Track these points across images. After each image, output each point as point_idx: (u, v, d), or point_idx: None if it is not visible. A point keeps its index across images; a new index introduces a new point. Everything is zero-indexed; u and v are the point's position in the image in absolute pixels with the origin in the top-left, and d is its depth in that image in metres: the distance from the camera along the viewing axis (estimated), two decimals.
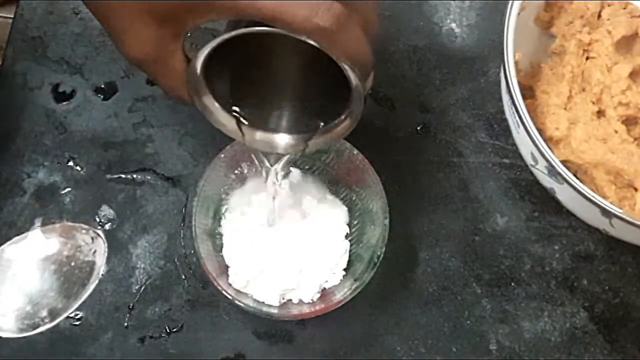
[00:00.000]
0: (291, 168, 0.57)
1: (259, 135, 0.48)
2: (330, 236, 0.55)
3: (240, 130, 0.47)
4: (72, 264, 0.46)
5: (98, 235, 0.47)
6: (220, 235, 0.56)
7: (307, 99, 0.48)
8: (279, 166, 0.50)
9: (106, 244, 0.47)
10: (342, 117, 0.46)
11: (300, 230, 0.55)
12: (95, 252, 0.47)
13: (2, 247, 0.46)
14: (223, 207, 0.56)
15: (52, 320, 0.46)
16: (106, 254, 0.47)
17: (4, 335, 0.45)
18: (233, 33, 0.41)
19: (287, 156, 0.50)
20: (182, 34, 0.42)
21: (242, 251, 0.55)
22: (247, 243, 0.55)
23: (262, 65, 0.47)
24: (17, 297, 0.45)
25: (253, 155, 0.53)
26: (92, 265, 0.47)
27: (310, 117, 0.48)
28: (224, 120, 0.46)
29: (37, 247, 0.47)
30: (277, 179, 0.51)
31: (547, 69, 0.57)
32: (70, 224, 0.48)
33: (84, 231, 0.47)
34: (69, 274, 0.46)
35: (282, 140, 0.48)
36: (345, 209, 0.57)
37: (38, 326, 0.45)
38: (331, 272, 0.54)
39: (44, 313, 0.45)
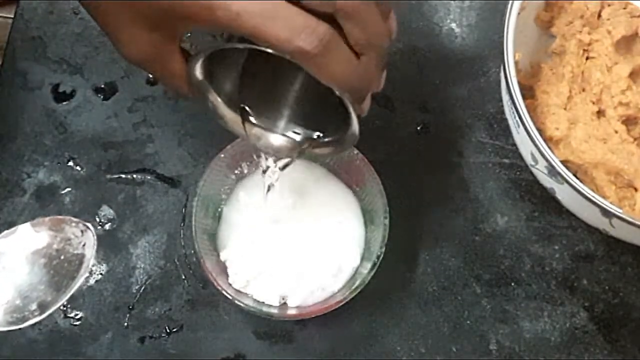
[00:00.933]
0: (302, 162, 0.56)
1: (255, 130, 0.48)
2: (338, 238, 0.55)
3: (243, 125, 0.47)
4: (62, 257, 0.46)
5: (87, 227, 0.47)
6: (220, 235, 0.56)
7: (311, 104, 0.48)
8: (278, 163, 0.50)
9: (95, 237, 0.47)
10: (338, 135, 0.45)
11: (303, 231, 0.55)
12: (84, 244, 0.47)
13: None
14: (222, 206, 0.56)
15: (41, 313, 0.46)
16: (95, 247, 0.47)
17: None
18: (222, 46, 0.40)
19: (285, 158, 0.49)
20: (176, 37, 0.42)
21: (242, 251, 0.54)
22: (246, 243, 0.55)
23: (269, 64, 0.47)
24: (7, 290, 0.45)
25: (253, 152, 0.53)
26: (81, 258, 0.47)
27: (311, 122, 0.48)
28: (226, 113, 0.46)
29: (26, 241, 0.47)
30: (272, 174, 0.51)
31: (547, 69, 0.57)
32: (59, 217, 0.48)
33: (73, 224, 0.47)
34: (59, 267, 0.46)
35: (276, 140, 0.48)
36: (360, 216, 0.56)
37: (27, 319, 0.45)
38: (334, 275, 0.54)
39: (34, 306, 0.46)
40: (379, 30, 0.41)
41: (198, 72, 0.43)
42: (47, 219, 0.48)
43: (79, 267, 0.47)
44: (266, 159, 0.50)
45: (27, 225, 0.47)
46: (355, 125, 0.43)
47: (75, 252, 0.47)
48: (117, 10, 0.41)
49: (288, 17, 0.38)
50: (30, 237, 0.47)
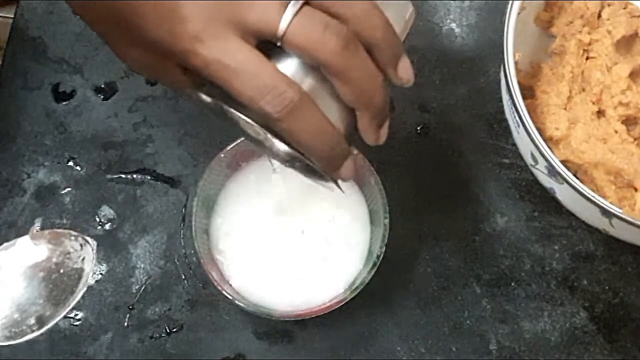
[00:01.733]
0: None
1: (263, 135, 0.47)
2: (343, 239, 0.55)
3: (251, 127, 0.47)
4: (61, 271, 0.46)
5: (87, 242, 0.47)
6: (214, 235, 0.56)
7: None
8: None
9: (95, 251, 0.47)
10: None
11: (307, 232, 0.55)
12: (84, 259, 0.47)
13: None
14: (218, 208, 0.56)
15: (39, 328, 0.45)
16: (94, 261, 0.47)
17: None
18: (205, 98, 0.40)
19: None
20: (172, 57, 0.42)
21: (240, 254, 0.54)
22: (244, 245, 0.55)
23: None
24: (5, 304, 0.45)
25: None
26: (80, 272, 0.46)
27: None
28: (236, 118, 0.46)
29: (25, 254, 0.46)
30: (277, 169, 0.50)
31: (547, 69, 0.57)
32: (59, 230, 0.48)
33: (72, 238, 0.47)
34: (58, 281, 0.46)
35: (280, 147, 0.48)
36: (366, 216, 0.56)
37: (26, 334, 0.45)
38: (337, 277, 0.54)
39: (32, 321, 0.45)
40: (370, 89, 0.39)
41: (203, 96, 0.42)
42: (46, 232, 0.47)
43: (78, 281, 0.46)
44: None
45: (26, 238, 0.47)
46: (331, 182, 0.42)
47: (75, 266, 0.47)
48: (110, 30, 0.41)
49: (258, 75, 0.37)
50: (30, 251, 0.47)
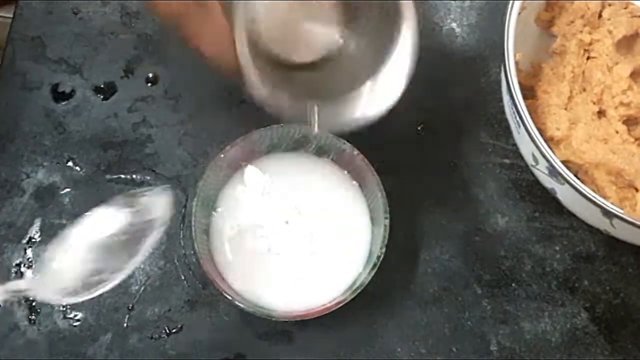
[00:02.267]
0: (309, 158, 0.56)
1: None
2: (345, 241, 0.55)
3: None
4: (135, 229, 0.46)
5: (161, 191, 0.47)
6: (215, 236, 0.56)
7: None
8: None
9: (171, 197, 0.47)
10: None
11: (309, 233, 0.55)
12: (159, 207, 0.47)
13: (69, 229, 0.46)
14: (218, 208, 0.56)
15: (114, 279, 0.46)
16: (171, 205, 0.47)
17: (71, 301, 0.45)
18: None
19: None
20: None
21: (241, 259, 0.54)
22: (245, 248, 0.54)
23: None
24: (82, 272, 0.45)
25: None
26: (152, 222, 0.46)
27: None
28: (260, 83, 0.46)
29: (101, 226, 0.47)
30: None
31: (547, 69, 0.57)
32: (135, 190, 0.48)
33: (147, 195, 0.47)
34: (133, 240, 0.46)
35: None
36: (367, 216, 0.56)
37: (103, 283, 0.45)
38: (337, 282, 0.54)
39: (107, 276, 0.46)
40: None
41: (243, 43, 0.42)
42: (121, 197, 0.48)
43: (151, 230, 0.46)
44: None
45: (102, 208, 0.47)
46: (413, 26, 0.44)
47: (148, 218, 0.47)
48: None
49: None
50: (106, 221, 0.47)
